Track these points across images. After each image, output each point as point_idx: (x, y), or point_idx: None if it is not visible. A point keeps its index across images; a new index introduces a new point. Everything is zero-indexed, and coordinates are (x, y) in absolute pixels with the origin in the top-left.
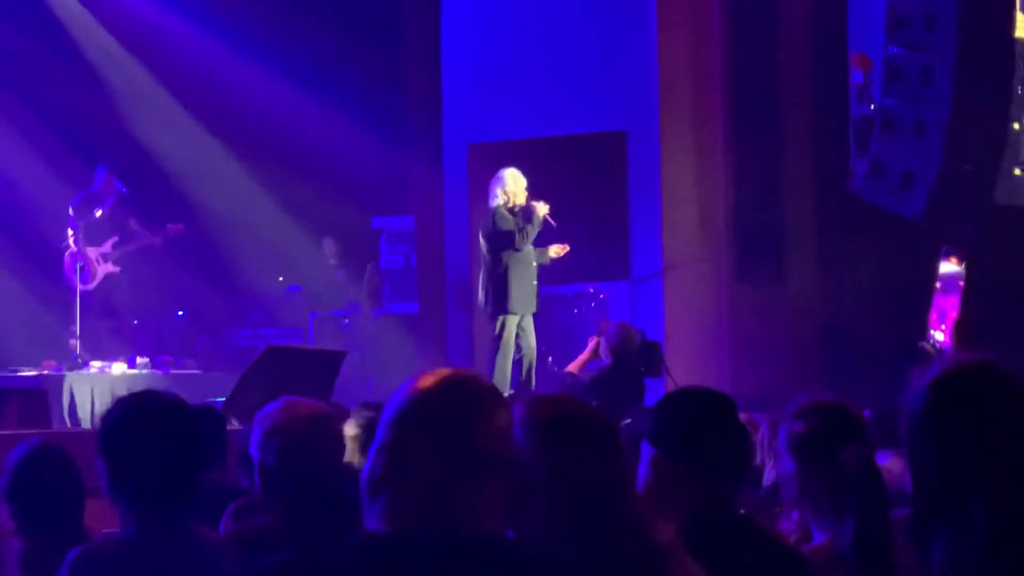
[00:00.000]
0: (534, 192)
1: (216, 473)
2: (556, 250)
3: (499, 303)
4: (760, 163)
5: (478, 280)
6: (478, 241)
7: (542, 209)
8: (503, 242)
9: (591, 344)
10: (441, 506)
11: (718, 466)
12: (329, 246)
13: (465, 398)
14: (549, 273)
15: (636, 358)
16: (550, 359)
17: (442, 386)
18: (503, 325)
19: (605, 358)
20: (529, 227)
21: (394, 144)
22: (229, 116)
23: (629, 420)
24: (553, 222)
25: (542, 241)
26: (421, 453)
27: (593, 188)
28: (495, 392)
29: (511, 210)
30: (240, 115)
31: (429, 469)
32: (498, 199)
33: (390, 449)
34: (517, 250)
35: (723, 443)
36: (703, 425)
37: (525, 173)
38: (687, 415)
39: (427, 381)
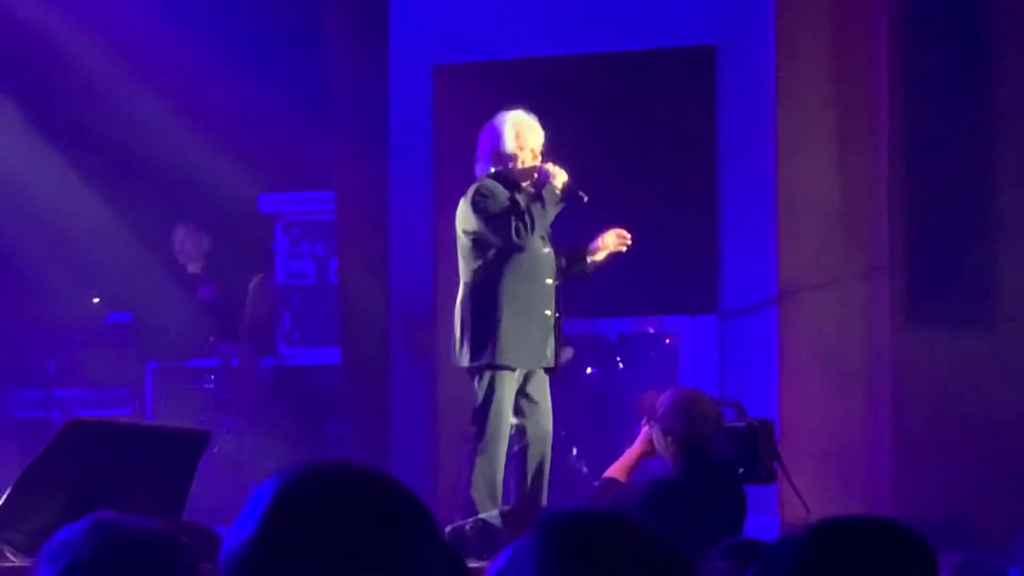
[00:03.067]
0: (548, 154)
1: None
2: (612, 241)
3: (483, 348)
4: (951, 110)
5: (453, 307)
6: (453, 236)
7: (559, 176)
8: (492, 234)
9: (647, 429)
10: None
11: None
12: (184, 240)
13: (345, 513)
14: (576, 299)
15: (726, 450)
16: (574, 451)
17: (307, 496)
18: (490, 390)
19: (668, 459)
20: (537, 208)
21: (299, 66)
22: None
23: (715, 565)
24: (583, 196)
25: (566, 236)
26: None
27: (654, 148)
28: (409, 501)
29: (509, 180)
30: (32, 35)
31: None
32: (492, 164)
33: None
34: (517, 248)
35: None
36: None
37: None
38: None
39: (285, 489)
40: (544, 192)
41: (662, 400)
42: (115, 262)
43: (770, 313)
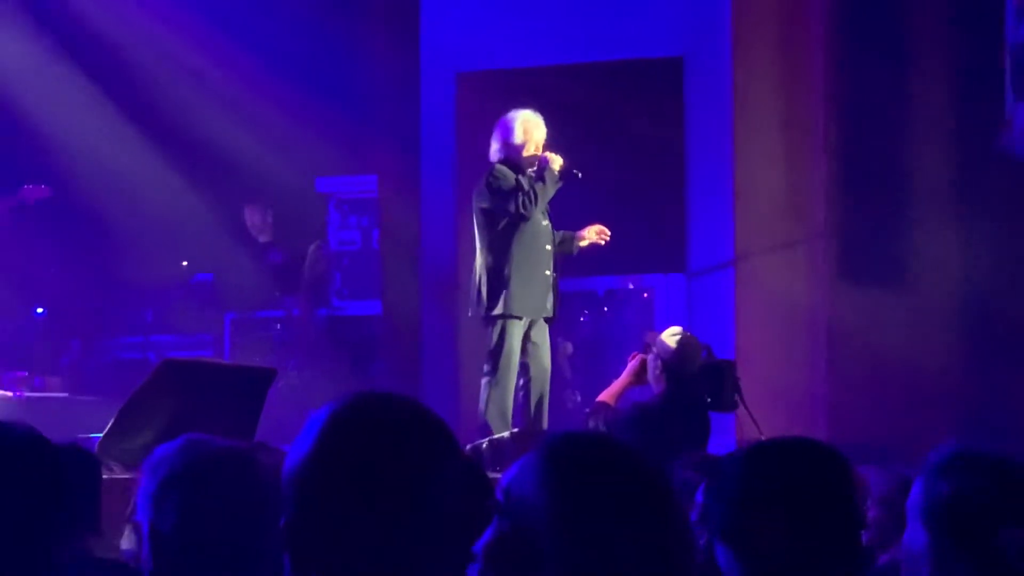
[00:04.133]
0: (549, 145)
1: (86, 541)
2: (593, 235)
3: (495, 301)
4: (875, 109)
5: (471, 268)
6: (472, 211)
7: (556, 161)
8: (500, 209)
9: (632, 364)
10: None
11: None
12: (253, 216)
13: (384, 432)
14: (570, 262)
15: (698, 384)
16: (569, 385)
17: (353, 419)
18: (502, 335)
19: (654, 384)
20: (539, 186)
21: (347, 73)
22: (112, 41)
23: (682, 475)
24: (578, 173)
25: (566, 218)
26: (338, 524)
27: (634, 139)
28: (437, 424)
29: (516, 166)
30: (129, 41)
31: (353, 546)
32: (503, 152)
33: (297, 520)
34: (522, 218)
35: (836, 534)
36: (807, 509)
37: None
38: (782, 491)
39: (336, 414)
40: (545, 174)
41: (660, 336)
42: (201, 233)
43: (728, 273)
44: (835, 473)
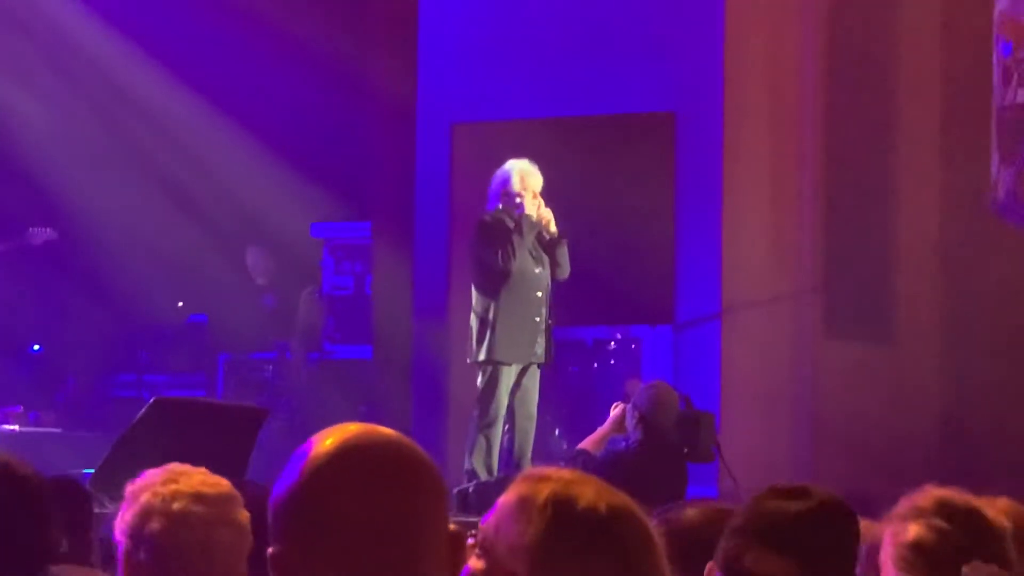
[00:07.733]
0: (544, 195)
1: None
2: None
3: (482, 348)
4: (863, 171)
5: (462, 316)
6: (465, 258)
7: (542, 213)
8: (484, 259)
9: (614, 412)
10: None
11: None
12: (255, 258)
13: (367, 466)
14: (560, 313)
15: (676, 433)
16: (556, 432)
17: (341, 455)
18: (489, 381)
19: (632, 432)
20: (516, 238)
21: (343, 120)
22: (112, 83)
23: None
24: (554, 232)
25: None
26: (320, 556)
27: (625, 192)
28: (421, 460)
29: (508, 216)
30: (129, 82)
31: None
32: (500, 202)
33: (282, 551)
34: (503, 269)
35: None
36: (811, 552)
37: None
38: (790, 531)
39: (322, 447)
40: (523, 224)
41: (641, 386)
42: (196, 274)
43: (714, 325)
44: (841, 520)
